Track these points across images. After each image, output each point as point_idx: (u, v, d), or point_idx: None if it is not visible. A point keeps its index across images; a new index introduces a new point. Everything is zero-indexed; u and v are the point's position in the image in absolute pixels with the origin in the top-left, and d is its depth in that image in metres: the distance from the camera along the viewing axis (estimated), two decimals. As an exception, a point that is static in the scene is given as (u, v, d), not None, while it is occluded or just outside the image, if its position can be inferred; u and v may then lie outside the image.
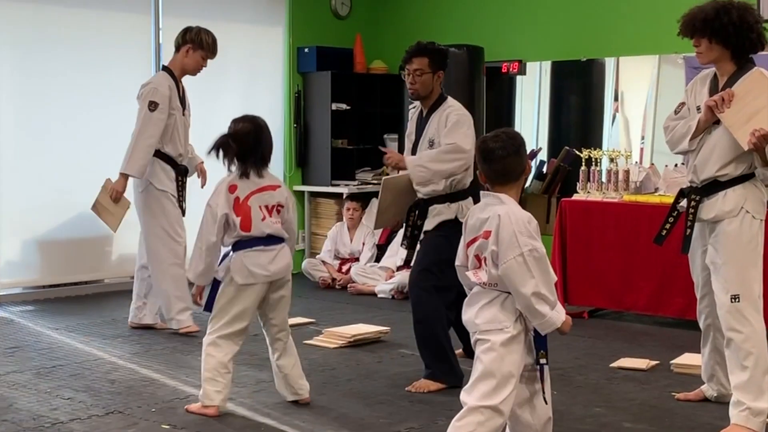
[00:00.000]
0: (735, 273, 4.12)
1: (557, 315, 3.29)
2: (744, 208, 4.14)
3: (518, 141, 3.46)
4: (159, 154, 6.03)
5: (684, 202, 4.33)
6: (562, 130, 8.56)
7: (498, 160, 3.41)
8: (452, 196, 4.88)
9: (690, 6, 4.25)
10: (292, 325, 6.31)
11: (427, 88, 4.94)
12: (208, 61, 6.18)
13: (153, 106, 5.92)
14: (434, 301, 4.80)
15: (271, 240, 4.40)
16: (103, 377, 5.05)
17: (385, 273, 7.87)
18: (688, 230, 4.29)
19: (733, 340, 4.13)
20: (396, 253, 7.96)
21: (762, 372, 4.10)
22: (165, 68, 6.17)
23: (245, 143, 4.37)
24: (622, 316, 6.77)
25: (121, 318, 6.60)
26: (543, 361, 3.36)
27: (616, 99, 8.09)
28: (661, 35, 7.19)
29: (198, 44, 6.09)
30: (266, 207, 4.39)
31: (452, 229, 4.61)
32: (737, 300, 4.10)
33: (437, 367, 4.85)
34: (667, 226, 4.45)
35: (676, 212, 4.42)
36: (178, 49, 6.15)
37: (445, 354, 4.86)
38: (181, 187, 6.14)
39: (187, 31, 6.15)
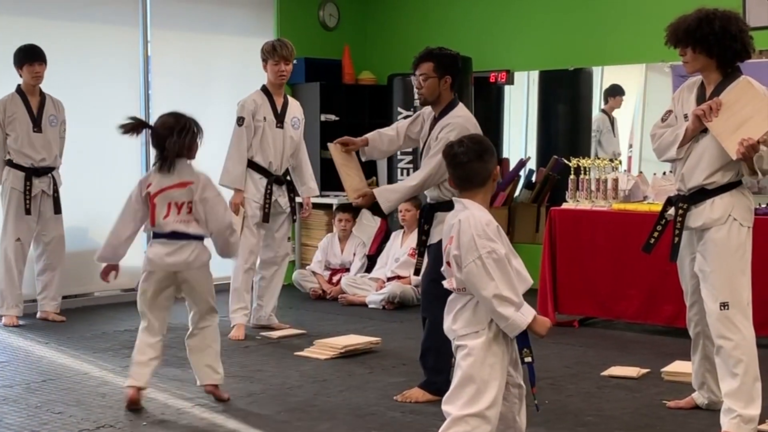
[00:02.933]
0: (723, 280, 4.13)
1: (521, 317, 3.24)
2: (731, 215, 4.15)
3: (482, 146, 3.43)
4: (250, 164, 6.37)
5: (672, 211, 4.35)
6: (550, 139, 8.58)
7: (461, 166, 3.41)
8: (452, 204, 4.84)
9: (677, 14, 4.27)
10: (282, 337, 6.38)
11: (434, 93, 4.92)
12: (282, 64, 6.34)
13: (240, 121, 6.38)
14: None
15: (175, 236, 4.61)
16: (94, 391, 5.04)
17: (376, 283, 7.86)
18: (676, 238, 4.30)
19: (723, 347, 4.14)
20: (386, 263, 7.96)
21: (752, 379, 4.12)
22: (263, 86, 6.48)
23: (161, 137, 4.58)
24: (612, 324, 6.78)
25: (111, 331, 6.59)
26: (528, 359, 3.31)
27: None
28: (647, 44, 7.23)
29: (264, 56, 6.42)
30: (175, 204, 4.59)
31: None
32: (726, 307, 4.11)
33: (435, 378, 4.81)
34: (656, 234, 4.46)
35: (664, 220, 4.43)
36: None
37: (444, 367, 4.83)
38: (268, 195, 6.39)
39: None
